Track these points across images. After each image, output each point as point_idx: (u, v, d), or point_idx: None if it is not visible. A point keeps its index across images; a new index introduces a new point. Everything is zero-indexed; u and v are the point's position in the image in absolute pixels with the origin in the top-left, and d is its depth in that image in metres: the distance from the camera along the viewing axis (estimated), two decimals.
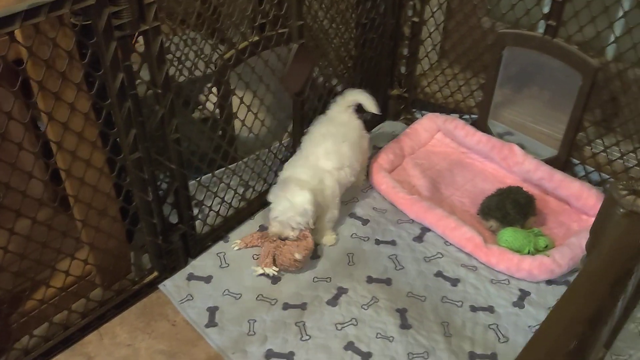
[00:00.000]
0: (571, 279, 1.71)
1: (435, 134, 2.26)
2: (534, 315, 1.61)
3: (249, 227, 1.87)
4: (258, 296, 1.64)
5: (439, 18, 2.18)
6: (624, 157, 1.85)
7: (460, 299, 1.65)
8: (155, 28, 1.32)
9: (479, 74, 2.13)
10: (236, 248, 1.78)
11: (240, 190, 1.87)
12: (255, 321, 1.57)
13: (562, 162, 1.97)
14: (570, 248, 1.71)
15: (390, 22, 2.13)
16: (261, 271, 1.69)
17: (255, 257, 1.76)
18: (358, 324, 1.57)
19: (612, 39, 1.77)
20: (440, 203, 1.94)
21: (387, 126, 2.36)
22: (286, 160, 1.99)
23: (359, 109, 1.95)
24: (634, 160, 1.84)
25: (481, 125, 2.16)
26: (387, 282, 1.70)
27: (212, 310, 1.60)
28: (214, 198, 1.77)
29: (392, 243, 1.83)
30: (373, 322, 1.57)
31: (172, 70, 1.61)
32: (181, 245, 1.70)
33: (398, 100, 2.35)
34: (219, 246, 1.80)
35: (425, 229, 1.88)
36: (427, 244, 1.83)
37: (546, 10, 1.81)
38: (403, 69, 2.29)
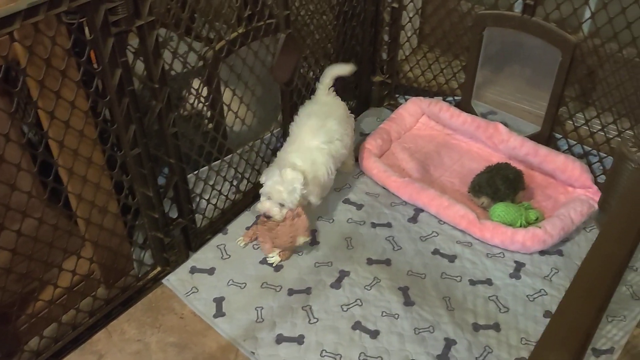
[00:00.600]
0: (563, 248, 1.77)
1: (420, 118, 2.30)
2: (530, 284, 1.67)
3: (246, 219, 1.89)
4: (262, 284, 1.67)
5: (418, 3, 2.22)
6: (605, 129, 1.92)
7: (459, 274, 1.70)
8: (150, 23, 1.33)
9: (459, 56, 2.18)
10: (242, 244, 1.80)
11: (235, 182, 1.88)
12: (263, 308, 1.60)
13: (545, 138, 2.04)
14: (560, 219, 1.78)
15: (370, 9, 2.16)
16: (276, 258, 1.72)
17: (256, 247, 1.78)
18: (363, 304, 1.61)
19: (588, 15, 1.84)
20: (430, 184, 1.98)
21: (371, 113, 2.40)
22: (277, 150, 2.01)
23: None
24: (615, 132, 1.91)
25: (465, 106, 2.21)
26: (387, 262, 1.74)
27: (219, 301, 1.62)
28: (211, 191, 1.79)
29: (388, 225, 1.87)
30: (377, 302, 1.61)
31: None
32: (182, 239, 1.72)
33: (381, 87, 2.39)
34: (219, 238, 1.82)
35: (418, 210, 1.92)
36: (422, 224, 1.87)
37: None
38: (384, 55, 2.33)
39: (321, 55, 2.16)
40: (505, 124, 2.08)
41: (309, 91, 2.08)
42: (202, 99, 1.65)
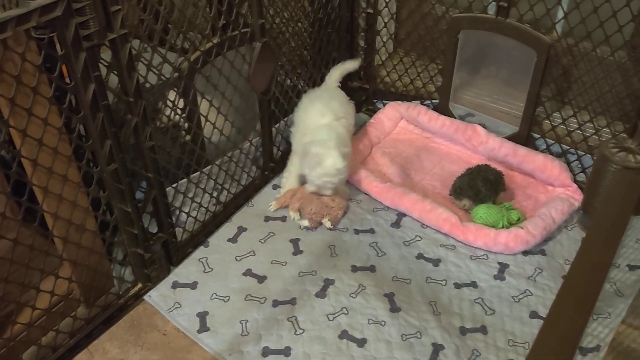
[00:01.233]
0: (546, 247, 1.78)
1: (399, 122, 2.30)
2: (515, 285, 1.67)
3: (227, 230, 1.86)
4: (246, 296, 1.64)
5: (393, 8, 2.22)
6: (582, 128, 1.94)
7: (443, 278, 1.70)
8: (122, 36, 1.31)
9: (436, 59, 2.19)
10: (273, 209, 1.91)
11: (215, 193, 1.86)
12: (247, 321, 1.57)
13: (523, 138, 2.05)
14: (541, 218, 1.78)
15: (345, 15, 2.16)
16: (306, 223, 1.86)
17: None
18: (349, 313, 1.59)
19: (561, 15, 1.85)
20: (412, 188, 1.98)
21: None
22: (257, 159, 2.00)
23: None
24: (592, 130, 1.93)
25: (443, 109, 2.21)
26: (371, 269, 1.73)
27: (203, 316, 1.59)
28: (191, 204, 1.76)
29: (371, 231, 1.86)
30: (363, 309, 1.60)
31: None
32: (163, 253, 1.69)
33: (359, 92, 2.38)
34: (200, 251, 1.79)
35: (401, 215, 1.92)
36: (405, 229, 1.87)
37: None
38: (361, 61, 2.32)
39: (298, 62, 2.15)
40: (484, 126, 2.09)
41: (287, 99, 2.07)
42: (179, 111, 1.63)
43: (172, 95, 1.61)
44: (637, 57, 1.80)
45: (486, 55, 2.30)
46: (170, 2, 1.54)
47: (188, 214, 1.76)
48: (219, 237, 1.83)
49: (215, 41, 1.64)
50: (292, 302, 1.63)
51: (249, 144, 1.94)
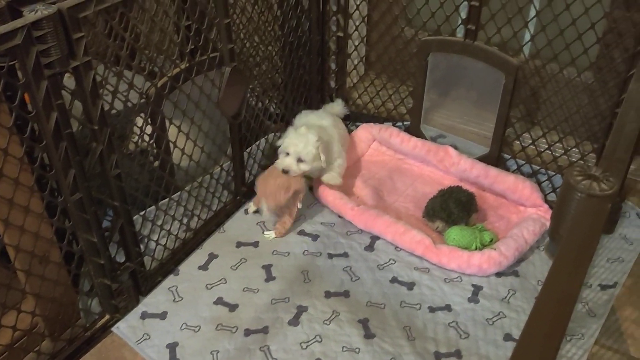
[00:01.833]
0: (519, 269, 1.78)
1: (371, 144, 2.30)
2: (489, 307, 1.66)
3: (197, 257, 1.83)
4: (217, 326, 1.60)
5: (363, 31, 2.24)
6: (551, 148, 1.95)
7: (418, 302, 1.68)
8: (86, 63, 1.28)
9: (406, 81, 2.20)
10: (252, 211, 2.00)
11: (185, 220, 1.83)
12: (219, 352, 1.53)
13: (494, 158, 2.06)
14: (514, 239, 1.79)
15: (316, 38, 2.16)
16: (271, 234, 1.90)
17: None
18: (323, 340, 1.56)
19: (528, 37, 1.88)
20: (385, 210, 1.97)
21: None
22: (228, 184, 1.97)
23: None
24: (561, 150, 1.94)
25: (415, 130, 2.22)
26: (345, 294, 1.71)
27: (172, 347, 1.55)
28: (160, 231, 1.73)
29: (345, 255, 1.84)
30: (337, 336, 1.57)
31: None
32: (131, 283, 1.64)
33: None
34: (170, 280, 1.75)
35: (374, 238, 1.90)
36: (379, 252, 1.85)
37: (464, 15, 1.90)
38: (333, 83, 2.33)
39: (269, 85, 2.15)
40: (455, 147, 2.10)
41: (258, 122, 2.05)
42: (146, 137, 1.60)
43: (139, 121, 1.59)
44: (603, 78, 1.83)
45: (456, 78, 2.32)
46: (136, 28, 1.52)
47: (157, 242, 1.72)
48: (189, 265, 1.80)
49: (183, 66, 1.62)
50: (265, 330, 1.59)
51: (219, 168, 1.91)
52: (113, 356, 1.54)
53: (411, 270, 1.79)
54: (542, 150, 1.99)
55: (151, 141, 1.63)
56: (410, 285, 1.74)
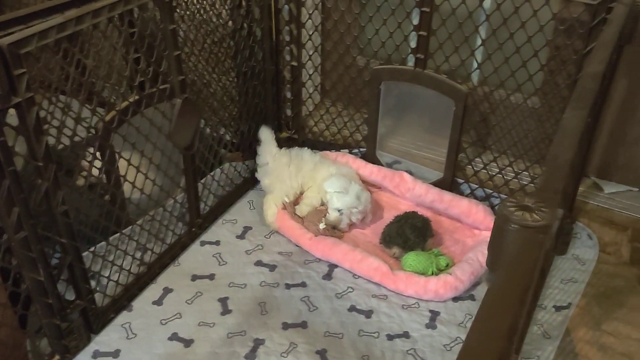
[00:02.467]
0: (475, 293, 1.79)
1: None
2: (446, 333, 1.67)
3: (151, 292, 1.79)
4: None
5: (317, 60, 2.26)
6: (502, 172, 1.99)
7: (376, 330, 1.68)
8: (28, 99, 1.25)
9: (361, 109, 2.22)
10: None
11: (138, 254, 1.79)
12: None
13: (448, 183, 2.09)
14: (469, 263, 1.80)
15: (270, 68, 2.18)
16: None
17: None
18: None
19: (475, 65, 1.92)
20: (343, 238, 1.97)
21: None
22: (183, 216, 1.95)
23: None
24: (512, 173, 1.99)
25: (371, 157, 2.24)
26: (303, 325, 1.69)
27: None
28: (112, 267, 1.69)
29: (303, 285, 1.83)
30: None
31: (50, 140, 1.53)
32: (82, 322, 1.59)
33: (288, 142, 2.38)
34: (123, 316, 1.70)
35: (332, 266, 1.90)
36: (337, 280, 1.85)
37: (413, 44, 1.94)
38: (289, 112, 2.33)
39: (224, 116, 2.14)
40: (410, 173, 2.13)
41: (213, 153, 2.04)
42: (96, 171, 1.57)
43: (88, 155, 1.56)
44: (549, 103, 1.89)
45: (408, 105, 2.36)
46: (82, 62, 1.50)
47: (109, 278, 1.68)
48: (143, 300, 1.76)
49: (132, 99, 1.60)
50: None
51: (172, 200, 1.89)
52: None
53: (369, 297, 1.79)
54: (494, 174, 2.02)
55: (100, 175, 1.60)
56: (368, 314, 1.73)
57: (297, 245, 1.98)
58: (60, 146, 1.57)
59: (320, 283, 1.84)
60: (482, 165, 2.03)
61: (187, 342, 1.63)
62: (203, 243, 1.99)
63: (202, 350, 1.60)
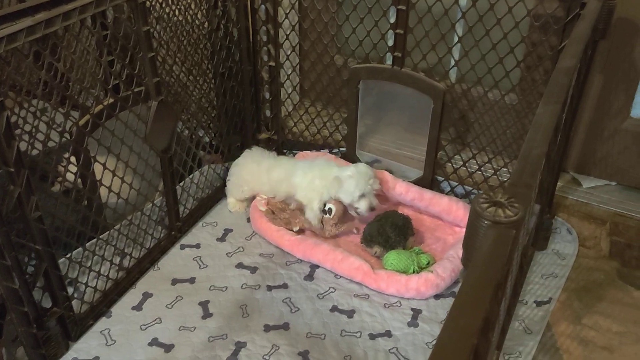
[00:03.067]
0: (456, 290, 1.79)
1: None
2: (428, 331, 1.67)
3: (131, 298, 1.76)
4: None
5: (294, 60, 2.25)
6: (482, 169, 2.00)
7: (358, 330, 1.67)
8: None
9: (340, 108, 2.22)
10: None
11: (117, 259, 1.77)
12: None
13: (428, 181, 2.09)
14: (450, 261, 1.81)
15: (247, 68, 2.16)
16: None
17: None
18: None
19: (452, 62, 1.93)
20: (323, 239, 1.97)
21: None
22: (162, 219, 1.93)
23: None
24: (491, 170, 1.99)
25: (351, 156, 2.23)
26: (285, 327, 1.68)
27: None
28: (89, 273, 1.66)
29: (284, 286, 1.82)
30: None
31: (23, 145, 1.51)
32: (59, 330, 1.57)
33: (268, 143, 2.37)
34: (102, 323, 1.68)
35: (314, 266, 1.89)
36: (319, 281, 1.84)
37: (390, 43, 1.94)
38: (268, 113, 2.32)
39: (202, 117, 2.12)
40: (390, 171, 2.12)
41: (191, 155, 2.02)
42: (71, 176, 1.55)
43: (63, 160, 1.53)
44: (527, 99, 1.89)
45: (387, 103, 2.35)
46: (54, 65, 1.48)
47: (86, 284, 1.65)
48: (123, 306, 1.73)
49: (106, 102, 1.58)
50: None
51: (151, 204, 1.86)
52: None
53: (351, 297, 1.78)
54: (474, 171, 2.03)
55: (76, 180, 1.58)
56: (350, 313, 1.73)
57: (277, 247, 1.96)
58: (35, 151, 1.55)
59: (302, 284, 1.83)
60: (461, 163, 2.03)
61: (168, 347, 1.61)
62: (183, 246, 1.97)
63: (183, 355, 1.59)
